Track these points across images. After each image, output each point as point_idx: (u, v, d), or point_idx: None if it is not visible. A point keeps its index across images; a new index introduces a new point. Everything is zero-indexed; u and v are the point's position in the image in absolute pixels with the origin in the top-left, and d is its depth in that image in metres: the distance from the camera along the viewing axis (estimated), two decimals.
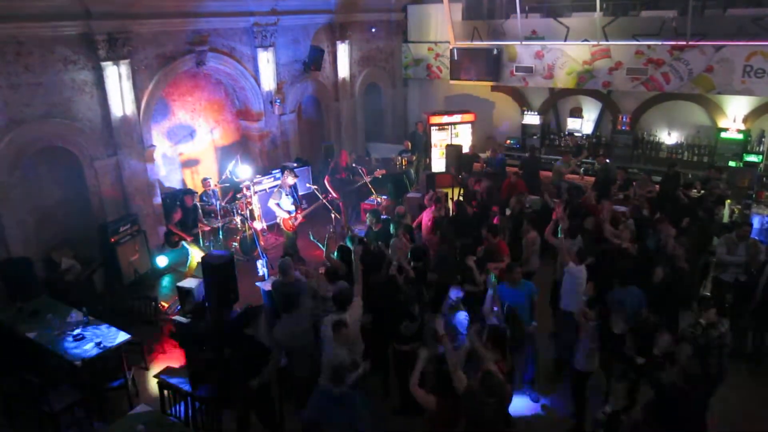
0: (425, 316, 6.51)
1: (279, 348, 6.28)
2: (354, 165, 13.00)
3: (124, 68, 9.48)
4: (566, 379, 6.84)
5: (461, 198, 10.92)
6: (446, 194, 10.97)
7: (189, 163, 12.12)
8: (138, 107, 9.93)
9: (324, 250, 8.22)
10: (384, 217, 9.21)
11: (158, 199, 10.64)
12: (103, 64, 9.24)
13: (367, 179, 12.13)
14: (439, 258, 7.77)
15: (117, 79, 9.43)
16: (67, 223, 9.58)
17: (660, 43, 12.22)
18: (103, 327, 7.23)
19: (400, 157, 13.91)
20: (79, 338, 6.93)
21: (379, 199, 11.94)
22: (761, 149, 12.62)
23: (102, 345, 6.81)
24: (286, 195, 10.16)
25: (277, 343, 6.28)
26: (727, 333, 5.90)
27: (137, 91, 9.87)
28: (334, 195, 11.53)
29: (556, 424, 6.65)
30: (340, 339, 5.75)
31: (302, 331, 6.33)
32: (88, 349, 6.74)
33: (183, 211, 10.03)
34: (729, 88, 11.85)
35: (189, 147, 12.05)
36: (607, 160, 12.45)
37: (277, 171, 12.48)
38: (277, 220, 10.53)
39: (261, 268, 9.61)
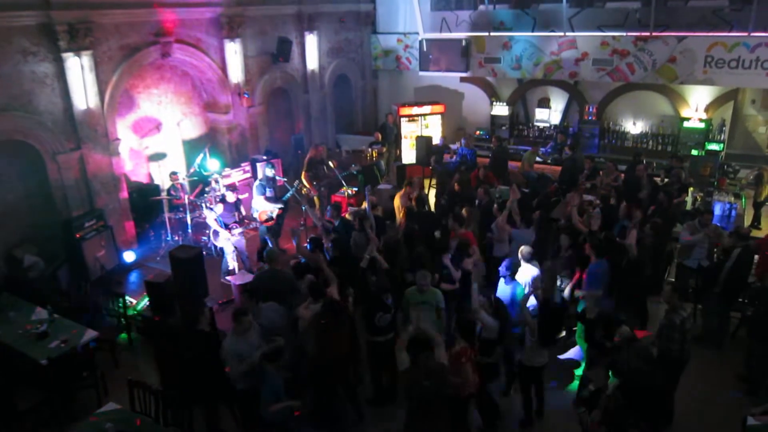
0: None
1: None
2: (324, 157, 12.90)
3: (86, 59, 9.23)
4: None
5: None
6: (420, 180, 11.04)
7: (156, 157, 11.88)
8: (102, 100, 9.69)
9: (295, 244, 8.17)
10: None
11: (125, 194, 10.42)
12: (64, 55, 8.98)
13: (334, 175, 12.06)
14: (415, 258, 7.74)
15: (79, 70, 9.18)
16: (29, 219, 9.34)
17: (624, 33, 12.44)
18: (69, 324, 7.08)
19: (370, 149, 13.88)
20: (44, 336, 6.77)
21: (350, 191, 11.89)
22: (722, 138, 12.97)
23: (68, 343, 6.67)
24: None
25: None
26: (688, 318, 6.04)
27: (101, 83, 9.62)
28: (312, 190, 11.45)
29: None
30: (239, 328, 5.61)
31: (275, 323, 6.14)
32: (54, 347, 6.59)
33: (226, 207, 9.75)
34: (691, 78, 12.13)
35: (155, 140, 11.83)
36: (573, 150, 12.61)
37: (246, 164, 12.34)
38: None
39: (231, 261, 9.51)
